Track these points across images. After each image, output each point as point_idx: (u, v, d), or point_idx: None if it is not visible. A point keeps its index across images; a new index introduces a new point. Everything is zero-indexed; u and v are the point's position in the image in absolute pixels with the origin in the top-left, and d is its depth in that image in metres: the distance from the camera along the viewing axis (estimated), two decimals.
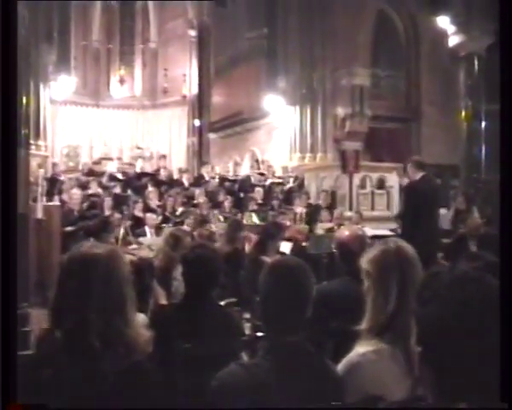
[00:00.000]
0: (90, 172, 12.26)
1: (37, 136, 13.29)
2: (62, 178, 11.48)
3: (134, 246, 7.76)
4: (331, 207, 11.04)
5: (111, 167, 12.95)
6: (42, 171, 11.11)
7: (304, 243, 8.10)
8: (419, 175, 6.21)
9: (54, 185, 10.54)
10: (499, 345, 1.12)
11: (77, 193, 9.81)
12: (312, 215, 10.44)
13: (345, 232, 3.45)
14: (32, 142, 10.02)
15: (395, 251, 2.18)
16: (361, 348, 2.09)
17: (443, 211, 10.60)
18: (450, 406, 1.16)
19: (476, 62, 11.36)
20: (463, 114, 11.43)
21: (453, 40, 11.54)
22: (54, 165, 12.96)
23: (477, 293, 1.16)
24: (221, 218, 9.68)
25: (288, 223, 9.25)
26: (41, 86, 13.34)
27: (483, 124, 11.33)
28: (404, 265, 2.14)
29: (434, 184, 6.41)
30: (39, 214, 7.76)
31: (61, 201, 9.58)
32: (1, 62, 2.63)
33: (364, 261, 2.23)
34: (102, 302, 1.66)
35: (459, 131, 11.66)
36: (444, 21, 11.55)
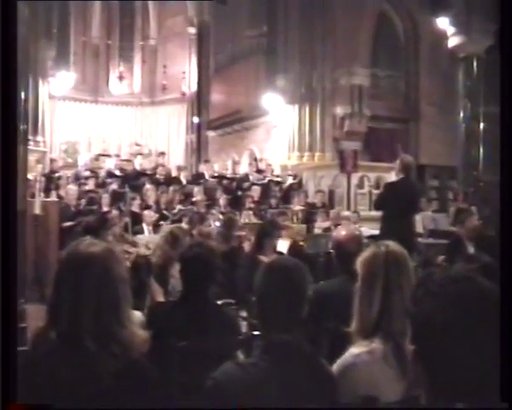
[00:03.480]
0: (88, 169, 12.25)
1: (36, 131, 13.27)
2: (60, 174, 11.47)
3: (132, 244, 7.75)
4: (329, 206, 11.06)
5: (109, 164, 12.94)
6: (40, 167, 11.13)
7: (301, 243, 8.11)
8: (399, 177, 6.26)
9: (52, 181, 10.54)
10: (499, 345, 1.13)
11: (73, 189, 9.83)
12: (310, 214, 10.46)
13: (341, 232, 3.46)
14: (30, 137, 10.00)
15: (385, 254, 2.21)
16: (355, 349, 2.10)
17: (439, 214, 10.66)
18: (447, 406, 1.17)
19: (475, 64, 11.37)
20: (462, 115, 11.45)
21: (453, 41, 11.54)
22: (52, 161, 12.94)
23: (469, 292, 1.17)
24: (220, 216, 9.68)
25: (286, 222, 9.26)
26: (40, 82, 13.31)
27: (481, 125, 11.34)
28: (391, 269, 2.17)
29: (413, 189, 6.43)
30: (37, 210, 7.77)
31: (59, 196, 9.58)
32: (1, 60, 2.63)
33: (357, 262, 2.26)
34: (98, 302, 1.66)
35: (458, 133, 11.67)
36: (443, 22, 11.55)
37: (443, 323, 1.15)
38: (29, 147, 6.86)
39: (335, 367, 2.11)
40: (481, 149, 11.37)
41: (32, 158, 9.46)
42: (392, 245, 2.27)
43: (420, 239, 8.25)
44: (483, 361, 1.13)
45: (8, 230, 2.43)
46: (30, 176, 7.39)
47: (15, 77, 3.11)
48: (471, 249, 5.76)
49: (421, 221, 9.03)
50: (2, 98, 2.70)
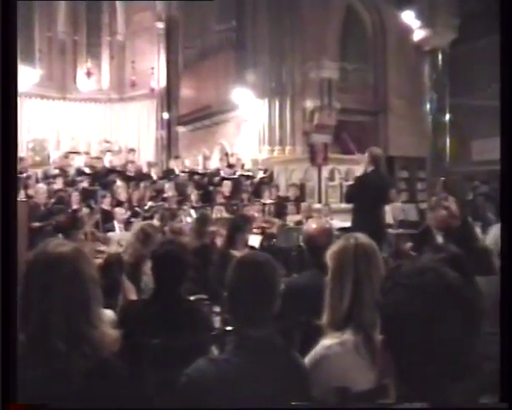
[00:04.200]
0: (57, 167, 12.08)
1: None
2: (29, 172, 11.28)
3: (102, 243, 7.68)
4: (300, 199, 11.12)
5: (78, 162, 12.77)
6: None
7: (273, 236, 8.15)
8: (369, 169, 6.34)
9: (23, 181, 10.36)
10: (499, 345, 1.15)
11: (43, 188, 9.67)
12: (281, 208, 10.51)
13: (312, 225, 3.49)
14: None
15: (354, 247, 2.24)
16: (326, 341, 2.13)
17: (408, 205, 10.81)
18: (443, 406, 1.20)
19: (440, 57, 11.56)
20: (428, 107, 11.62)
21: (418, 35, 11.70)
22: (20, 159, 12.70)
23: (434, 282, 1.20)
24: (192, 212, 9.66)
25: (257, 215, 9.29)
26: None
27: (447, 116, 11.53)
28: (361, 261, 2.20)
29: (383, 181, 6.52)
30: None
31: (28, 196, 9.43)
32: (1, 60, 2.58)
33: (327, 256, 2.29)
34: (67, 303, 1.65)
35: (425, 124, 11.84)
36: (409, 16, 11.70)
37: (409, 313, 1.17)
38: None
39: (307, 360, 2.13)
40: (448, 140, 11.57)
41: None
42: (362, 237, 2.31)
43: (390, 230, 8.37)
44: (447, 349, 1.17)
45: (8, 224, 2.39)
46: None
47: (16, 78, 3.05)
48: (440, 239, 5.86)
49: (390, 212, 9.15)
50: (3, 103, 2.66)
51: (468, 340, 1.16)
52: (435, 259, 1.65)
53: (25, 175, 10.87)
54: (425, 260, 1.37)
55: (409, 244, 6.71)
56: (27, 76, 15.47)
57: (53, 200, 9.55)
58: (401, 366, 1.22)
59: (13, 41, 2.88)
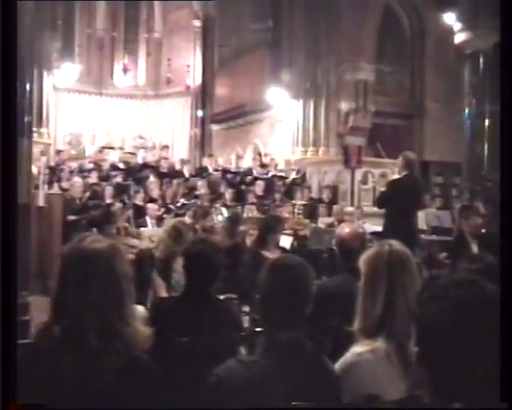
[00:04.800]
0: (92, 161, 12.26)
1: (40, 123, 13.26)
2: (63, 166, 11.48)
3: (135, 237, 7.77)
4: (333, 202, 11.05)
5: (113, 157, 12.94)
6: (44, 159, 11.13)
7: (304, 238, 8.12)
8: (403, 173, 6.24)
9: (57, 173, 10.54)
10: (499, 345, 1.13)
11: (79, 181, 9.81)
12: (313, 210, 10.46)
13: (345, 229, 3.46)
14: (34, 129, 9.99)
15: (387, 254, 2.20)
16: (357, 348, 2.10)
17: (443, 211, 10.63)
18: (447, 406, 1.18)
19: (481, 60, 11.32)
20: (467, 111, 11.41)
21: (459, 37, 11.49)
22: (58, 152, 12.94)
23: (473, 296, 1.17)
24: (224, 210, 9.68)
25: (289, 217, 9.26)
26: (45, 74, 13.29)
27: (486, 122, 11.30)
28: (394, 268, 2.16)
29: (416, 185, 6.41)
30: (41, 202, 7.77)
31: (62, 189, 9.59)
32: (1, 58, 2.62)
33: (360, 261, 2.26)
34: (102, 299, 1.66)
35: (462, 129, 11.63)
36: (450, 18, 11.50)
37: (446, 326, 1.15)
38: (33, 139, 6.85)
39: (338, 366, 2.11)
40: (486, 147, 11.33)
41: (36, 150, 9.46)
42: (396, 244, 2.27)
43: (423, 236, 8.25)
44: (485, 365, 1.14)
45: (8, 222, 2.43)
46: (34, 168, 7.39)
47: (15, 74, 3.10)
48: (474, 248, 5.76)
49: (424, 218, 9.02)
50: (3, 95, 2.70)
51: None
52: (472, 269, 1.62)
53: (59, 168, 11.07)
54: (463, 272, 1.34)
55: (443, 254, 6.59)
56: (68, 72, 15.76)
57: (87, 194, 9.68)
58: (436, 379, 1.20)
59: (13, 41, 2.91)
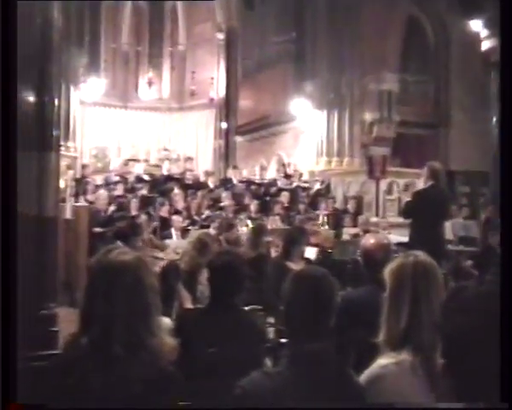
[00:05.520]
0: (118, 174, 12.40)
1: (67, 137, 13.48)
2: (89, 179, 11.64)
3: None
4: (357, 212, 11.00)
5: (138, 169, 13.08)
6: (71, 172, 11.31)
7: (329, 249, 8.09)
8: (428, 183, 6.17)
9: (82, 186, 10.70)
10: (499, 345, 1.12)
11: (104, 194, 9.93)
12: (338, 220, 10.42)
13: (370, 240, 3.43)
14: (61, 143, 10.16)
15: (412, 265, 2.17)
16: (382, 360, 2.08)
17: (470, 221, 10.47)
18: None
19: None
20: (494, 120, 11.26)
21: (485, 44, 11.35)
22: (84, 166, 13.14)
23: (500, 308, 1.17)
24: (248, 222, 9.70)
25: (313, 228, 9.23)
26: (71, 89, 13.54)
27: None
28: (419, 279, 2.13)
29: (442, 196, 6.33)
30: (68, 215, 7.90)
31: (88, 201, 9.72)
32: (1, 60, 2.65)
33: (385, 272, 2.24)
34: (128, 310, 1.68)
35: (489, 138, 11.47)
36: (476, 25, 11.36)
37: (473, 339, 1.14)
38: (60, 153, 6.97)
39: (363, 378, 2.09)
40: None
41: (63, 163, 9.62)
42: (421, 255, 2.24)
43: (449, 246, 8.15)
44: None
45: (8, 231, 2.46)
46: (61, 181, 7.52)
47: (15, 77, 3.13)
48: None
49: (451, 228, 8.91)
50: (3, 97, 2.73)
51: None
52: (499, 282, 1.60)
53: (84, 181, 11.23)
54: (489, 285, 1.32)
55: (469, 262, 6.49)
56: (94, 86, 16.02)
57: (113, 206, 9.80)
58: (462, 392, 1.19)
59: (13, 41, 2.94)
